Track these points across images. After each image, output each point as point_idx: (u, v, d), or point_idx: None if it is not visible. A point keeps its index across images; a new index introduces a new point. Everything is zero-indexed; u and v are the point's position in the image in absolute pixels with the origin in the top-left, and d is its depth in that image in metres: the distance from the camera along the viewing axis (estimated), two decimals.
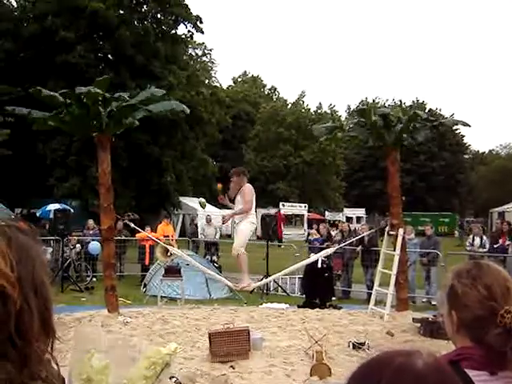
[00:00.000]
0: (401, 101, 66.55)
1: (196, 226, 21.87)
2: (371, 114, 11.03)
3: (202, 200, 11.95)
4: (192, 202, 36.38)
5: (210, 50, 58.37)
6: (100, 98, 9.80)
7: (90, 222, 17.79)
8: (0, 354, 1.08)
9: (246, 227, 9.37)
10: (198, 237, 20.46)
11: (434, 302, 13.79)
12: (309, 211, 44.90)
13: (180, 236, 20.95)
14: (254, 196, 9.56)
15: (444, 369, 1.05)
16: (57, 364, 1.19)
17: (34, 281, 1.14)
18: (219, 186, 10.37)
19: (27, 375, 1.10)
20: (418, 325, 9.58)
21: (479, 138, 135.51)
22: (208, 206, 34.92)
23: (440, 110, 63.03)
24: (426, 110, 53.52)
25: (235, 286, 10.68)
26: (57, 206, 18.99)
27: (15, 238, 1.15)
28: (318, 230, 17.43)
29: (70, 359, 1.94)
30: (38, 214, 21.22)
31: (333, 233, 17.76)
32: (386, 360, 1.05)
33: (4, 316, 1.08)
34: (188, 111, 11.13)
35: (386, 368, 1.02)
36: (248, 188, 9.45)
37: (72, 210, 20.80)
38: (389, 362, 1.04)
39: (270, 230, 17.03)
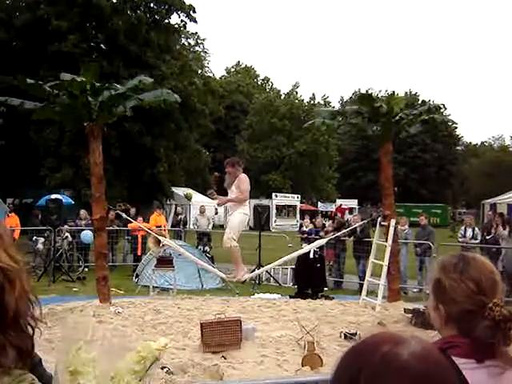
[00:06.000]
0: (394, 92, 66.50)
1: (177, 215, 21.53)
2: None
3: (187, 192, 11.82)
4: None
5: (203, 40, 57.94)
6: (88, 87, 9.73)
7: (83, 212, 17.67)
8: None
9: (239, 218, 9.31)
10: (180, 227, 20.17)
11: (427, 292, 13.81)
12: (301, 202, 44.89)
13: (172, 226, 20.78)
14: (249, 187, 9.53)
15: (432, 359, 1.01)
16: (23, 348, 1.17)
17: None
18: (216, 174, 10.27)
19: None
20: (410, 315, 9.61)
21: (471, 130, 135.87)
22: (201, 196, 34.94)
23: (433, 102, 63.08)
24: (419, 102, 53.67)
25: (227, 277, 10.67)
26: (57, 195, 18.71)
27: None
28: (312, 222, 17.39)
29: (57, 350, 1.93)
30: (37, 204, 21.01)
31: (326, 223, 17.78)
32: (371, 347, 1.03)
33: None
34: (179, 100, 11.05)
35: (371, 356, 0.99)
36: (244, 177, 9.41)
37: (64, 200, 20.66)
38: (374, 349, 1.01)
39: (262, 221, 17.01)
